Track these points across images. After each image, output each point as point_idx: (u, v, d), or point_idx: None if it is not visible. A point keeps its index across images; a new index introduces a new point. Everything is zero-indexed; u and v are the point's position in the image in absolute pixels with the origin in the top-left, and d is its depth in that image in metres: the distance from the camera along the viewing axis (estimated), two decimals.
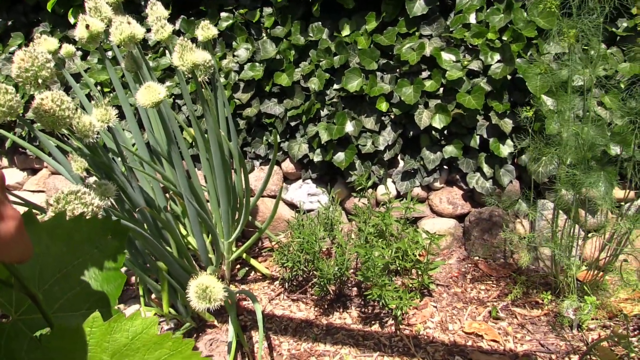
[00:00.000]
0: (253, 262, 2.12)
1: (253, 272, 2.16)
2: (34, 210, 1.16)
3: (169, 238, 1.72)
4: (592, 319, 1.71)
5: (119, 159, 1.62)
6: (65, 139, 1.66)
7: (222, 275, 1.98)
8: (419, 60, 2.03)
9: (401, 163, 2.24)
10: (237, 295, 1.98)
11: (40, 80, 1.09)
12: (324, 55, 2.17)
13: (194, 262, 1.82)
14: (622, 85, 1.91)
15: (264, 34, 2.31)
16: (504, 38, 1.98)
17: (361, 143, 2.15)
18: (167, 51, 2.42)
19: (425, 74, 2.10)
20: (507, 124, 2.00)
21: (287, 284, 2.02)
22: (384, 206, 1.90)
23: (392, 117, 2.16)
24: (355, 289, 1.97)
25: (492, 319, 1.77)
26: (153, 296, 1.85)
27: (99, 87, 2.46)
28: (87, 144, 1.29)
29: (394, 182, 2.23)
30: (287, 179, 2.41)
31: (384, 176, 2.22)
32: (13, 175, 2.87)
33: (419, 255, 1.94)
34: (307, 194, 2.29)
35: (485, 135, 2.06)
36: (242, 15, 2.29)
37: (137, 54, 1.59)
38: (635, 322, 1.68)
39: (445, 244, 2.17)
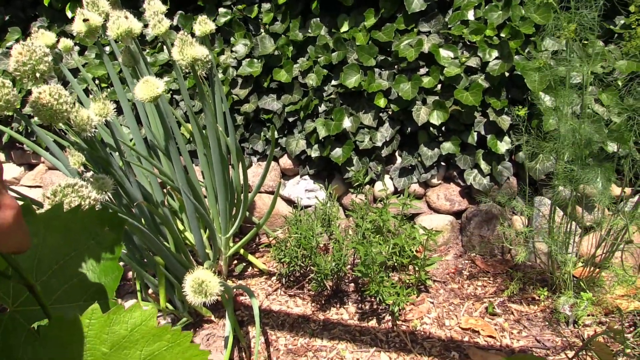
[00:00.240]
0: (250, 257, 2.12)
1: (250, 268, 2.16)
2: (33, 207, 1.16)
3: (166, 233, 1.72)
4: (588, 315, 1.71)
5: (117, 153, 1.62)
6: (63, 133, 1.66)
7: (220, 270, 1.98)
8: (417, 56, 2.03)
9: (399, 159, 2.24)
10: (234, 290, 1.98)
11: (37, 74, 1.09)
12: (322, 51, 2.17)
13: (191, 258, 1.82)
14: (620, 83, 1.92)
15: (262, 30, 2.31)
16: (502, 35, 1.98)
17: (359, 139, 2.15)
18: (164, 47, 2.41)
19: (423, 71, 2.10)
20: (505, 121, 2.00)
21: (284, 279, 2.03)
22: (382, 202, 1.90)
23: (390, 113, 2.16)
24: (352, 284, 1.97)
25: (488, 315, 1.78)
26: (150, 291, 1.85)
27: (96, 82, 2.46)
28: (84, 138, 1.28)
29: (391, 179, 2.23)
30: (285, 175, 2.41)
31: (382, 172, 2.22)
32: (10, 170, 2.87)
33: (416, 251, 1.94)
34: (305, 189, 2.29)
35: (482, 132, 2.06)
36: (240, 11, 2.29)
37: (135, 49, 1.59)
38: (631, 318, 1.68)
39: (442, 240, 2.17)
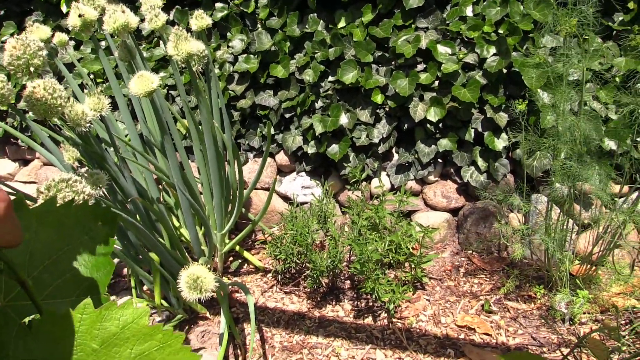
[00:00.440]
0: (246, 254, 2.12)
1: (246, 265, 2.16)
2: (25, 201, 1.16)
3: (161, 229, 1.72)
4: (584, 313, 1.72)
5: (112, 149, 1.61)
6: (58, 129, 1.66)
7: (215, 267, 1.98)
8: (415, 52, 2.03)
9: (395, 156, 2.24)
10: (230, 287, 1.98)
11: (32, 68, 1.09)
12: (319, 47, 2.17)
13: (186, 254, 1.82)
14: (618, 80, 1.92)
15: (259, 25, 2.31)
16: (500, 31, 1.98)
17: (355, 135, 2.15)
18: (161, 41, 2.41)
19: (420, 67, 2.10)
20: (502, 118, 2.00)
21: (279, 276, 2.03)
22: (378, 199, 1.90)
23: (387, 109, 2.16)
24: (348, 281, 1.97)
25: (484, 312, 1.78)
26: (145, 288, 1.85)
27: (92, 77, 2.45)
28: (79, 133, 1.28)
29: (388, 175, 2.24)
30: (281, 171, 2.41)
31: (378, 169, 2.22)
32: (4, 166, 2.86)
33: (413, 248, 1.94)
34: (301, 186, 2.29)
35: (480, 129, 2.06)
36: (237, 5, 2.28)
37: (131, 44, 1.58)
38: (627, 316, 1.69)
39: (438, 238, 2.17)
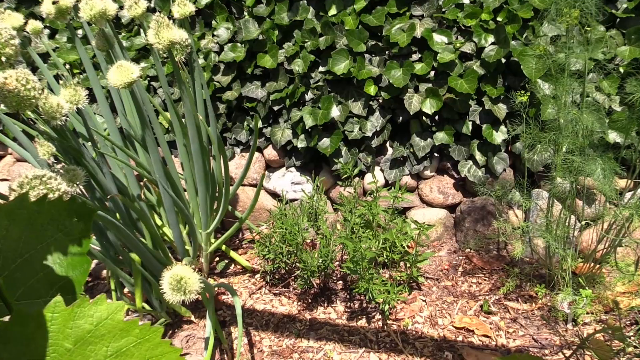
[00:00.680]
0: (233, 254, 2.12)
1: (233, 265, 2.16)
2: None
3: (143, 228, 1.71)
4: (588, 313, 1.73)
5: (89, 144, 1.61)
6: (32, 122, 1.65)
7: (200, 268, 1.98)
8: (410, 42, 2.03)
9: (390, 150, 2.24)
10: (216, 288, 1.98)
11: (3, 58, 1.08)
12: (309, 36, 2.17)
13: (169, 254, 1.82)
14: (622, 70, 1.93)
15: (245, 13, 2.30)
16: (499, 19, 1.99)
17: (348, 129, 2.16)
18: (141, 30, 2.40)
19: (415, 57, 2.11)
20: (501, 110, 2.01)
21: (268, 277, 2.03)
22: (371, 195, 1.91)
23: (381, 101, 2.17)
24: (340, 282, 1.97)
25: (483, 313, 1.79)
26: (126, 290, 1.84)
27: (67, 68, 2.43)
28: (54, 127, 1.28)
29: (382, 170, 2.24)
30: (270, 166, 2.41)
31: (372, 164, 2.23)
32: None
33: (408, 246, 1.95)
34: (291, 182, 2.29)
35: (478, 121, 2.07)
36: None
37: (109, 32, 1.58)
38: (633, 316, 1.70)
39: (435, 235, 2.18)
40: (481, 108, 2.07)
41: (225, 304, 1.93)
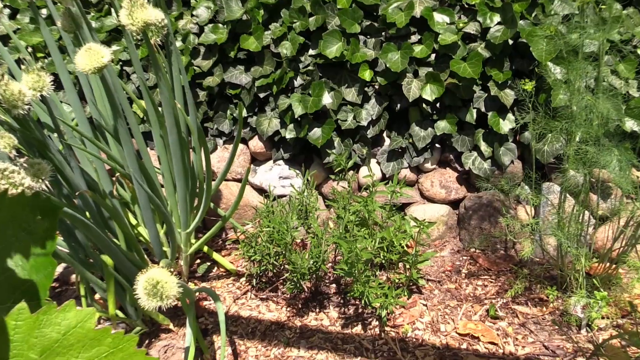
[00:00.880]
0: (215, 256, 2.11)
1: (215, 268, 2.16)
2: None
3: (115, 228, 1.71)
4: (603, 318, 1.74)
5: (56, 135, 1.59)
6: None
7: (179, 271, 1.98)
8: (408, 22, 2.03)
9: (387, 141, 2.24)
10: (197, 294, 1.98)
11: None
12: (298, 15, 2.16)
13: (145, 257, 1.81)
14: None
15: None
16: None
17: (341, 118, 2.15)
18: (112, 9, 2.38)
19: (414, 38, 2.11)
20: (508, 96, 2.02)
21: (254, 280, 2.03)
22: (367, 190, 1.91)
23: (377, 87, 2.17)
24: (333, 285, 1.98)
25: (490, 318, 1.80)
26: (97, 296, 1.84)
27: (30, 51, 2.42)
28: (16, 116, 1.27)
29: (378, 163, 2.24)
30: (255, 159, 2.40)
31: (367, 156, 2.23)
32: None
33: (407, 246, 1.95)
34: (279, 176, 2.29)
35: (483, 109, 2.07)
36: None
37: (77, 12, 1.56)
38: None
39: (437, 234, 2.19)
40: (486, 94, 2.07)
41: (207, 311, 1.93)
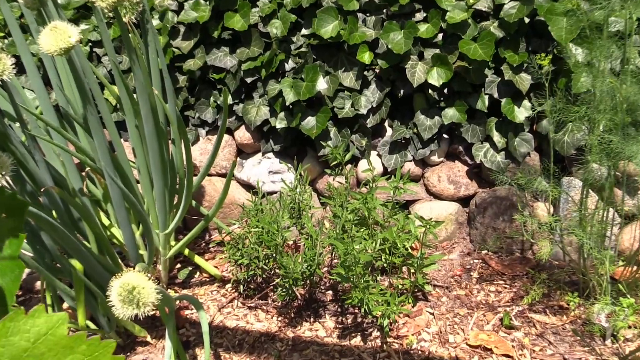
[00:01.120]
0: (198, 259, 2.11)
1: (198, 273, 2.16)
2: None
3: (85, 229, 1.71)
4: (630, 327, 1.75)
5: (17, 124, 1.59)
6: None
7: (158, 276, 1.98)
8: None
9: (389, 131, 2.25)
10: (177, 302, 1.98)
11: None
12: None
13: (119, 261, 1.81)
14: None
15: None
16: None
17: (337, 105, 2.16)
18: None
19: (419, 16, 2.11)
20: (524, 80, 2.02)
21: (241, 287, 2.03)
22: (367, 186, 1.91)
23: (378, 71, 2.17)
24: (329, 292, 1.98)
25: (504, 328, 1.81)
26: (65, 305, 1.84)
27: None
28: None
29: (379, 156, 2.25)
30: (242, 152, 2.41)
31: (367, 148, 2.23)
32: None
33: (412, 248, 1.96)
34: (268, 171, 2.30)
35: (495, 95, 2.08)
36: None
37: None
38: None
39: (445, 234, 2.19)
40: (500, 79, 2.08)
41: (188, 321, 1.93)
